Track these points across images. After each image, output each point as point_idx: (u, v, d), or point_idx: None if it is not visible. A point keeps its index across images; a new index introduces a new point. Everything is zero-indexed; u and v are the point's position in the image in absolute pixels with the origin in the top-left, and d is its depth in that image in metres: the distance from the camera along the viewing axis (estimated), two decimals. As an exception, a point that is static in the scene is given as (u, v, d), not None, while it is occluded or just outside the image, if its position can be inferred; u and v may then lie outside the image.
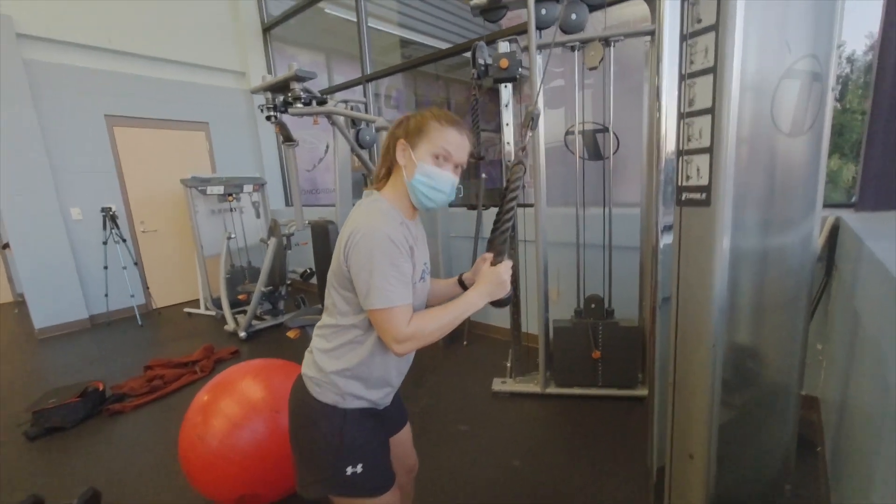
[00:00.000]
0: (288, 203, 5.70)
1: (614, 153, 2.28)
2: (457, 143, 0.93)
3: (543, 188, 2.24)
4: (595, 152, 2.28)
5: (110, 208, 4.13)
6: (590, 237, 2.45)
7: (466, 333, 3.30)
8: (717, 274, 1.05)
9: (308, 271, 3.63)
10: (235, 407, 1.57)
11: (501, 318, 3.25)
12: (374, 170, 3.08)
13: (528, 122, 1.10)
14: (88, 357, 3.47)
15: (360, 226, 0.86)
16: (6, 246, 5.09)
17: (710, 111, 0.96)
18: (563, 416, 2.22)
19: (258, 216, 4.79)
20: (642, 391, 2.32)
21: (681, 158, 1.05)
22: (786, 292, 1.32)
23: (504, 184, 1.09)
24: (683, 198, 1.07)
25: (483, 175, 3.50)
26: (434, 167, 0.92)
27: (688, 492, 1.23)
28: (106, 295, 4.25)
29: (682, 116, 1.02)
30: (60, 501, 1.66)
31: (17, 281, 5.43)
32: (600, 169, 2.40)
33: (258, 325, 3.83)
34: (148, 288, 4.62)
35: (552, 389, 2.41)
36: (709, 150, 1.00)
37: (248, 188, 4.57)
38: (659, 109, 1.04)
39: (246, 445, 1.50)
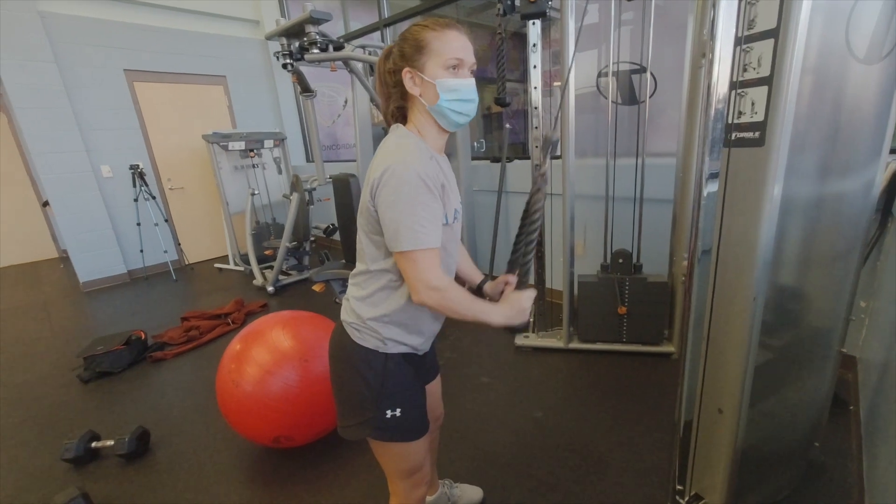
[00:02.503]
0: (308, 159, 5.66)
1: (651, 96, 2.11)
2: (462, 44, 0.85)
3: (572, 138, 2.11)
4: (630, 96, 2.11)
5: (138, 165, 4.21)
6: (620, 189, 2.33)
7: (489, 289, 3.28)
8: (765, 223, 0.97)
9: (331, 227, 3.65)
10: (267, 355, 1.63)
11: (524, 274, 3.22)
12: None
13: (546, 147, 1.05)
14: (129, 309, 3.68)
15: (389, 163, 0.80)
16: (46, 204, 5.32)
17: (774, 33, 0.84)
18: (587, 371, 2.22)
19: (280, 172, 4.79)
20: (668, 347, 2.29)
21: (733, 92, 0.94)
22: (838, 245, 1.22)
23: (525, 206, 1.05)
24: (733, 137, 0.96)
25: (507, 125, 3.35)
26: (455, 79, 0.85)
27: (715, 446, 1.22)
28: (141, 251, 4.42)
29: (738, 42, 0.90)
30: (114, 437, 1.80)
31: (60, 238, 5.71)
32: (634, 115, 2.24)
33: (284, 279, 3.94)
34: (180, 244, 4.78)
35: (575, 344, 2.41)
36: (767, 81, 0.88)
37: (268, 143, 4.55)
38: (713, 35, 0.92)
39: (278, 391, 1.57)
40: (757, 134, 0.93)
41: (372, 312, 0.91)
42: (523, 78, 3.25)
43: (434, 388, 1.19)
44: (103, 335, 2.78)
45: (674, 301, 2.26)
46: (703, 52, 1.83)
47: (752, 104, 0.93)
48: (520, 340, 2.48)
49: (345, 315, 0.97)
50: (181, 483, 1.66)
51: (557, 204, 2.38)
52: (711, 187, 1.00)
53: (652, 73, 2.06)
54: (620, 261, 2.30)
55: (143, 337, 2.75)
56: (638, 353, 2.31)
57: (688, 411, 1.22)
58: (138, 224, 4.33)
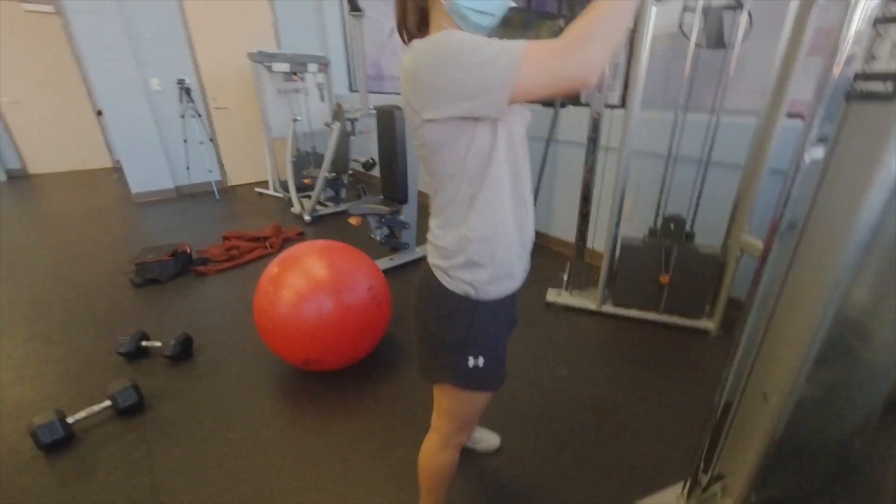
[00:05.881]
0: (352, 88, 5.49)
1: (742, 41, 1.82)
2: None
3: (640, 86, 1.89)
4: (717, 38, 1.83)
5: (184, 80, 4.20)
6: (685, 148, 2.12)
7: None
8: (872, 200, 0.83)
9: (370, 161, 3.59)
10: (303, 281, 1.66)
11: (565, 231, 3.10)
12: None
13: None
14: (176, 223, 3.85)
15: (414, 61, 0.70)
16: (100, 113, 5.49)
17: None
18: (617, 336, 2.17)
19: (322, 99, 4.68)
20: (706, 324, 2.18)
21: (872, 29, 0.77)
22: (947, 233, 1.06)
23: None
24: (858, 89, 0.80)
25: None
26: None
27: (750, 429, 1.17)
28: (187, 168, 4.55)
29: (898, -35, 0.72)
30: (161, 339, 1.93)
31: (114, 148, 5.95)
32: (717, 63, 1.97)
33: (321, 210, 3.98)
34: (223, 165, 4.87)
35: (608, 308, 2.34)
36: (923, 20, 0.71)
37: (312, 68, 4.41)
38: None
39: (311, 317, 1.61)
40: (890, 86, 0.77)
41: (456, 234, 0.82)
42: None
43: None
44: (152, 245, 2.94)
45: (722, 276, 2.12)
46: (822, -12, 1.53)
47: (894, 48, 0.76)
48: (551, 297, 2.43)
49: (431, 257, 0.89)
50: (218, 388, 1.79)
51: (612, 158, 2.21)
52: (816, 153, 0.85)
53: (749, 12, 1.77)
54: (672, 226, 2.15)
55: (188, 251, 2.89)
56: (673, 326, 2.21)
57: (730, 393, 1.16)
58: (185, 141, 4.42)
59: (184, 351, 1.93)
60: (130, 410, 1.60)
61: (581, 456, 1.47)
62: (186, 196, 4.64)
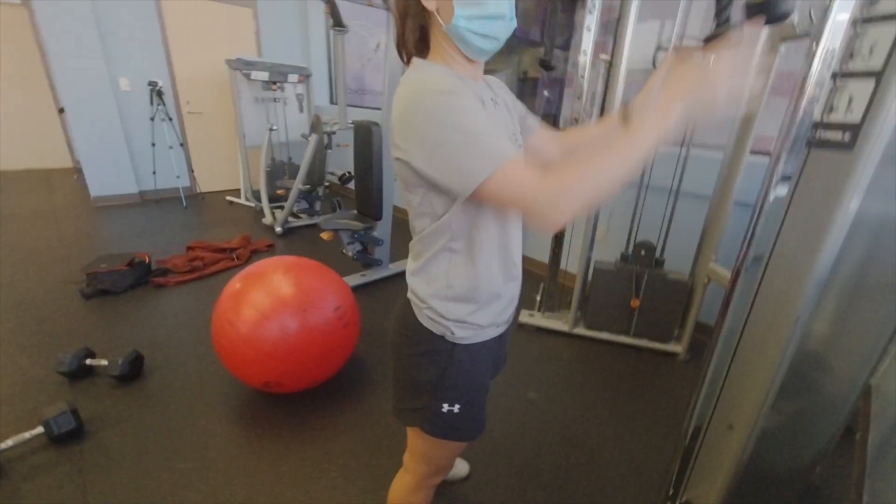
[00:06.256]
0: (332, 101, 5.45)
1: (712, 80, 1.91)
2: None
3: (616, 114, 1.94)
4: (688, 76, 1.92)
5: (157, 83, 4.06)
6: (656, 178, 2.18)
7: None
8: (831, 239, 0.86)
9: (347, 174, 3.54)
10: (266, 299, 1.58)
11: (539, 252, 3.12)
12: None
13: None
14: (136, 230, 3.66)
15: (406, 100, 0.65)
16: (62, 111, 5.23)
17: (905, 16, 0.69)
18: (588, 358, 2.17)
19: (301, 110, 4.62)
20: (675, 347, 2.22)
21: (831, 82, 0.80)
22: (897, 272, 1.11)
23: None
24: (818, 137, 0.83)
25: (545, 93, 3.13)
26: None
27: (717, 458, 1.17)
28: (154, 172, 4.36)
29: (855, 23, 0.75)
30: (108, 357, 1.80)
31: (75, 147, 5.66)
32: (687, 98, 2.06)
33: (294, 222, 3.88)
34: (193, 171, 4.71)
35: (580, 330, 2.35)
36: (877, 75, 0.75)
37: (292, 78, 4.35)
38: (828, 8, 0.76)
39: (273, 337, 1.53)
40: (847, 136, 0.80)
41: (429, 288, 0.76)
42: (565, 46, 3.00)
43: None
44: (109, 253, 2.77)
45: (690, 302, 2.17)
46: (783, 36, 1.62)
47: (850, 101, 0.79)
48: (523, 318, 2.42)
49: (410, 293, 0.83)
50: (169, 412, 1.66)
51: (586, 184, 2.24)
52: (781, 190, 0.87)
53: (717, 54, 1.86)
54: (642, 252, 2.19)
55: (147, 260, 2.74)
56: (643, 349, 2.24)
57: (697, 420, 1.16)
58: (153, 144, 4.25)
59: (132, 371, 1.80)
60: (66, 437, 1.46)
61: (551, 484, 1.44)
62: (151, 202, 4.44)
